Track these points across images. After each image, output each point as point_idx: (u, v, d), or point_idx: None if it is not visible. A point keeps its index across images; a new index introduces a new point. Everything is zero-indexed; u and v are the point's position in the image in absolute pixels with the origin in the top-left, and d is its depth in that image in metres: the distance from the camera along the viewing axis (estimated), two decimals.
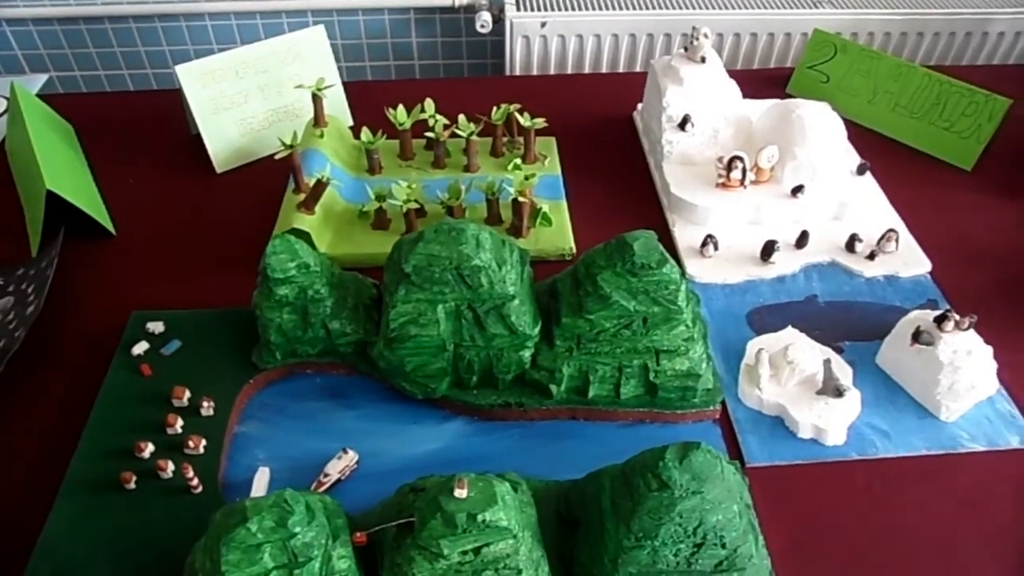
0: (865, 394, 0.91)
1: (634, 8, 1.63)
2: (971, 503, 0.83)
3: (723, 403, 0.90)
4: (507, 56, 1.63)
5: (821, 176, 1.12)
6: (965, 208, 1.20)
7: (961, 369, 0.87)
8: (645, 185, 1.20)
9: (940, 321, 0.88)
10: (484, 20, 1.58)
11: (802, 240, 1.07)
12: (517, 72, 1.65)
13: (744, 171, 1.10)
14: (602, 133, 1.32)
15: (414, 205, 1.04)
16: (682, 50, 1.18)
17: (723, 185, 1.11)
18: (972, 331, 0.89)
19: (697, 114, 1.16)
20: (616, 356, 0.85)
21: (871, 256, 1.06)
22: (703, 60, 1.15)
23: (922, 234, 1.11)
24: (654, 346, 0.85)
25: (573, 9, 1.60)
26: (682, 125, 1.15)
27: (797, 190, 1.10)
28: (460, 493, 0.63)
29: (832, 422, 0.86)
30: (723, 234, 1.09)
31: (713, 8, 1.64)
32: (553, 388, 0.86)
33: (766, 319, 0.99)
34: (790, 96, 1.37)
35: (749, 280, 1.05)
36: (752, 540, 0.68)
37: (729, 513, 0.66)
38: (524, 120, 1.17)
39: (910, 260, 1.07)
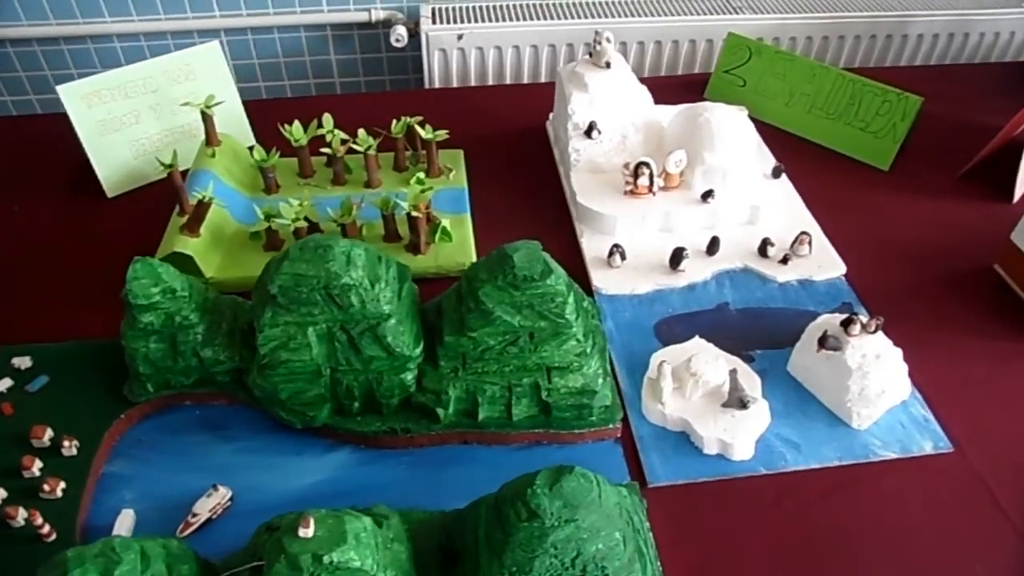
0: (775, 404, 0.87)
1: (554, 18, 1.60)
2: (884, 514, 0.79)
3: (625, 420, 0.85)
4: (425, 70, 1.59)
5: (732, 180, 1.08)
6: (882, 208, 1.17)
7: (870, 374, 0.83)
8: (556, 196, 1.16)
9: (847, 325, 0.84)
10: (399, 34, 1.54)
11: (713, 246, 1.03)
12: (437, 87, 1.61)
13: (651, 177, 1.06)
14: (515, 144, 1.27)
15: (303, 224, 0.99)
16: (587, 56, 1.14)
17: (631, 192, 1.07)
18: (881, 333, 0.86)
19: (604, 120, 1.12)
20: (505, 375, 0.80)
21: (784, 260, 1.03)
22: (608, 65, 1.11)
23: (837, 236, 1.08)
24: (544, 363, 0.80)
25: (490, 21, 1.56)
26: (588, 132, 1.11)
27: (707, 195, 1.06)
28: (305, 533, 0.57)
29: (739, 436, 0.81)
30: (632, 243, 1.04)
31: (636, 15, 1.62)
32: (440, 412, 0.81)
33: (675, 329, 0.95)
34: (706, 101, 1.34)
35: (658, 290, 1.00)
36: (640, 568, 0.63)
37: (610, 541, 0.61)
38: (425, 132, 1.12)
39: (824, 263, 1.04)
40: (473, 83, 1.62)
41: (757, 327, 0.96)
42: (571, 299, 0.78)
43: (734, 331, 0.95)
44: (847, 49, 1.69)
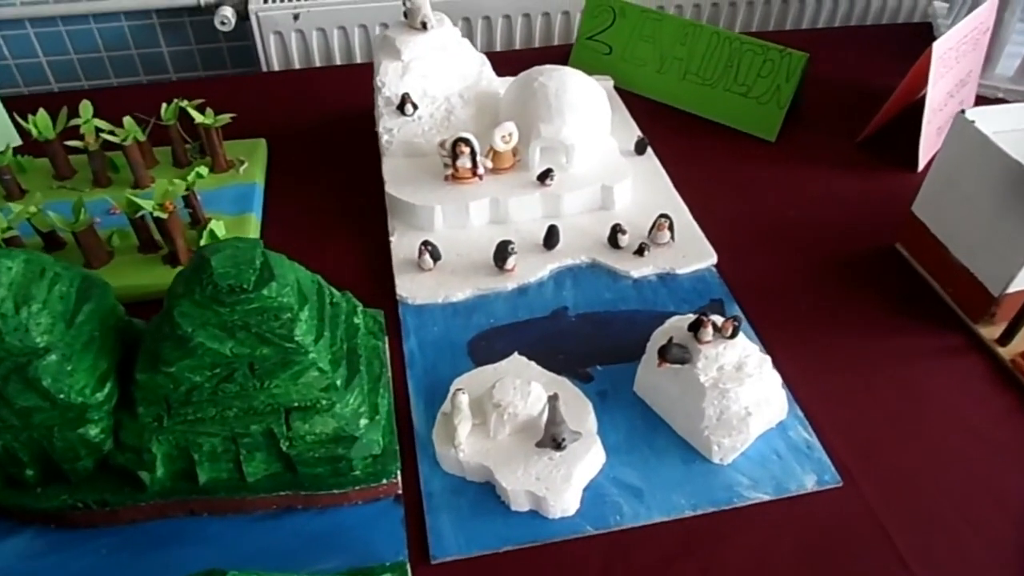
0: (614, 437, 0.67)
1: None
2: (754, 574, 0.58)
3: (415, 471, 0.64)
4: (261, 56, 1.37)
5: (578, 157, 0.88)
6: (767, 186, 0.98)
7: (730, 392, 0.63)
8: (377, 190, 0.94)
9: (696, 329, 0.64)
10: (224, 16, 1.32)
11: (551, 238, 0.83)
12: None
13: (474, 157, 0.85)
14: (344, 131, 1.06)
15: (14, 234, 0.77)
16: (402, 17, 0.93)
17: (453, 177, 0.87)
18: (743, 337, 0.66)
19: (422, 93, 0.91)
20: (227, 423, 0.58)
21: (640, 251, 0.83)
22: (424, 26, 0.91)
23: (710, 221, 0.89)
24: (279, 403, 0.58)
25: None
26: (401, 107, 0.90)
27: (545, 176, 0.86)
28: None
29: (556, 486, 0.61)
30: (451, 239, 0.84)
31: None
32: (144, 476, 0.59)
33: (494, 345, 0.74)
34: None
35: (480, 295, 0.80)
36: None
37: None
38: (205, 118, 0.91)
39: (690, 252, 0.84)
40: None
41: (601, 336, 0.76)
42: (305, 314, 0.57)
43: (570, 343, 0.75)
44: (741, 16, 1.51)
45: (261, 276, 0.55)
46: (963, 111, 0.78)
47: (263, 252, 0.57)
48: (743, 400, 0.64)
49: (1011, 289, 0.75)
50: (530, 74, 0.91)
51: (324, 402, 0.58)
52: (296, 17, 1.33)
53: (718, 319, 0.65)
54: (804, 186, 0.98)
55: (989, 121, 0.78)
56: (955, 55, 0.99)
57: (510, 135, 0.86)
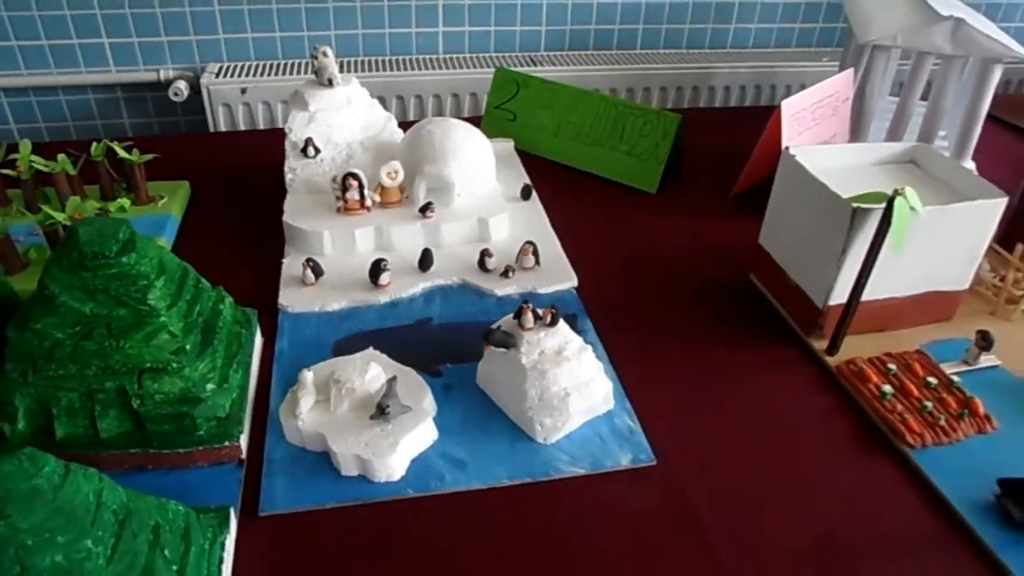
0: (452, 420, 0.73)
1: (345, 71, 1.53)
2: (558, 533, 0.64)
3: (262, 443, 0.70)
4: (210, 124, 1.50)
5: (459, 194, 0.98)
6: (641, 229, 1.08)
7: (549, 373, 0.70)
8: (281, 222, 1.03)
9: (519, 317, 0.72)
10: (178, 88, 1.46)
11: (425, 261, 0.92)
12: None
13: (362, 190, 0.95)
14: (263, 179, 1.16)
15: None
16: (313, 75, 1.05)
17: (345, 209, 0.96)
18: (565, 326, 0.74)
19: (326, 140, 1.02)
20: (86, 379, 0.65)
21: (506, 273, 0.91)
22: (330, 83, 1.03)
23: (580, 253, 0.98)
24: (134, 363, 0.65)
25: (276, 75, 1.49)
26: (304, 150, 1.01)
27: (425, 208, 0.96)
28: None
29: (382, 452, 0.67)
30: (336, 261, 0.92)
31: (436, 68, 1.57)
32: (6, 427, 0.65)
33: (356, 346, 0.81)
34: None
35: (354, 306, 0.88)
36: None
37: (77, 550, 0.46)
38: (133, 156, 1.01)
39: (553, 276, 0.93)
40: None
41: (456, 342, 0.83)
42: (160, 283, 0.65)
43: (426, 345, 0.82)
44: (655, 101, 1.66)
45: (124, 247, 0.64)
46: (787, 148, 0.89)
47: (129, 230, 0.65)
48: (562, 381, 0.71)
49: (832, 302, 0.83)
50: (421, 123, 1.02)
51: (174, 365, 0.66)
52: (244, 91, 1.47)
53: (540, 309, 0.73)
54: (677, 231, 1.08)
55: (810, 158, 0.89)
56: (811, 116, 1.11)
57: (396, 172, 0.96)
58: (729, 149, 1.30)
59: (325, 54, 1.01)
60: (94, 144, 1.03)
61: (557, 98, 1.22)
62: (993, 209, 0.84)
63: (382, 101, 1.51)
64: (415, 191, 0.97)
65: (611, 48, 1.70)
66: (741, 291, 0.96)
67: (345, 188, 0.95)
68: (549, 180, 1.16)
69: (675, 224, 1.09)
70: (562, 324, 0.73)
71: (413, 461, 0.69)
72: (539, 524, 0.65)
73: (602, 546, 0.63)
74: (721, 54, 1.72)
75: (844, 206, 0.79)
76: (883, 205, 0.76)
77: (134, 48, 1.52)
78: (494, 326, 0.73)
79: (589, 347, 0.74)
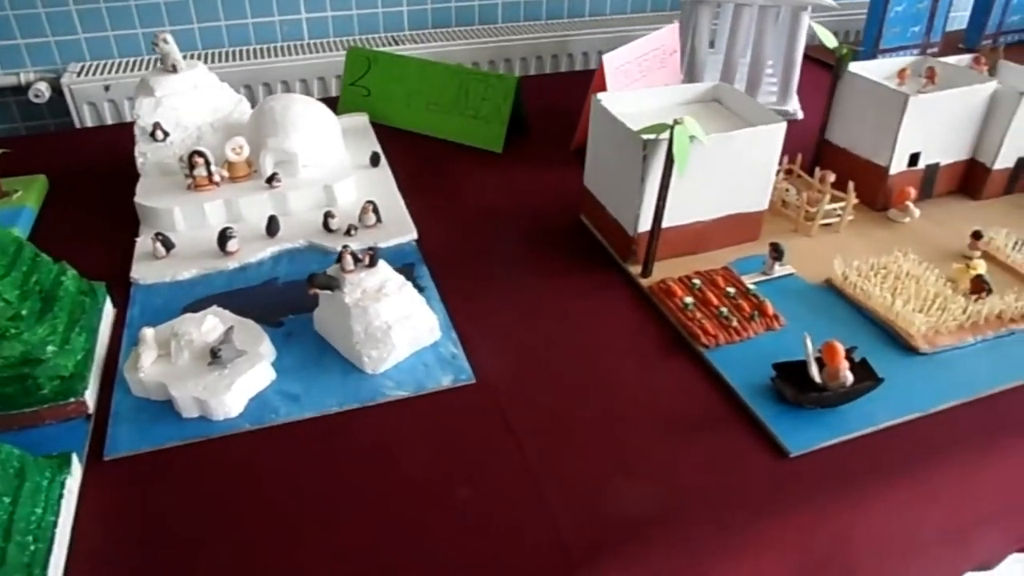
0: (290, 361, 0.80)
1: (214, 62, 1.57)
2: (382, 451, 0.71)
3: (110, 398, 0.75)
4: (77, 123, 1.52)
5: (304, 164, 1.04)
6: (486, 186, 1.16)
7: (370, 308, 0.77)
8: None
9: (340, 260, 0.79)
10: (38, 90, 1.48)
11: (272, 227, 0.98)
12: None
13: (208, 167, 1.00)
14: (122, 169, 1.19)
15: None
16: (159, 63, 1.10)
17: (196, 187, 1.01)
18: (385, 266, 0.81)
19: (175, 124, 1.07)
20: None
21: (349, 232, 0.98)
22: (174, 68, 1.07)
23: (425, 210, 1.06)
24: None
25: (141, 70, 1.52)
26: (153, 134, 1.05)
27: (271, 179, 1.01)
28: None
29: (218, 392, 0.73)
30: (192, 236, 0.98)
31: (302, 54, 1.61)
32: None
33: (205, 308, 0.87)
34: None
35: (204, 274, 0.93)
36: None
37: None
38: None
39: (395, 231, 1.00)
40: None
41: (298, 296, 0.89)
42: None
43: (270, 302, 0.88)
44: (517, 71, 1.74)
45: None
46: (595, 95, 0.97)
47: None
48: (384, 315, 0.78)
49: (640, 229, 0.92)
50: (264, 100, 1.08)
51: (12, 330, 0.70)
52: (107, 88, 1.49)
53: (360, 252, 0.80)
54: (520, 185, 1.16)
55: (619, 103, 0.97)
56: (637, 69, 1.20)
57: (240, 147, 1.02)
58: (578, 108, 1.38)
59: (166, 41, 1.06)
60: None
61: (406, 71, 1.29)
62: (774, 134, 0.93)
63: (249, 90, 1.56)
64: (262, 164, 1.03)
65: (473, 24, 1.77)
66: (572, 231, 1.04)
67: (192, 166, 1.00)
68: (403, 148, 1.23)
69: (518, 179, 1.18)
70: (382, 264, 0.80)
71: (251, 400, 0.75)
72: (367, 444, 0.72)
73: (425, 458, 0.70)
74: (579, 22, 1.81)
75: (637, 139, 0.88)
76: (668, 136, 0.85)
77: None
78: (322, 271, 0.79)
79: (409, 283, 0.81)
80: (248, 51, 1.62)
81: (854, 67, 1.10)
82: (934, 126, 1.05)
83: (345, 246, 0.79)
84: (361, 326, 0.78)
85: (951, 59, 1.15)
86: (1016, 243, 0.99)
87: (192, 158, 0.99)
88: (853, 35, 2.03)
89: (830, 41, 1.08)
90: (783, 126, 0.93)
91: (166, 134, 1.06)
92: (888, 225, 1.07)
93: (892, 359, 0.82)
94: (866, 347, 0.82)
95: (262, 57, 1.59)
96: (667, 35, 1.27)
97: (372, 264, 0.79)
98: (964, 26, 1.81)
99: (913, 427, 0.75)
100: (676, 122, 0.84)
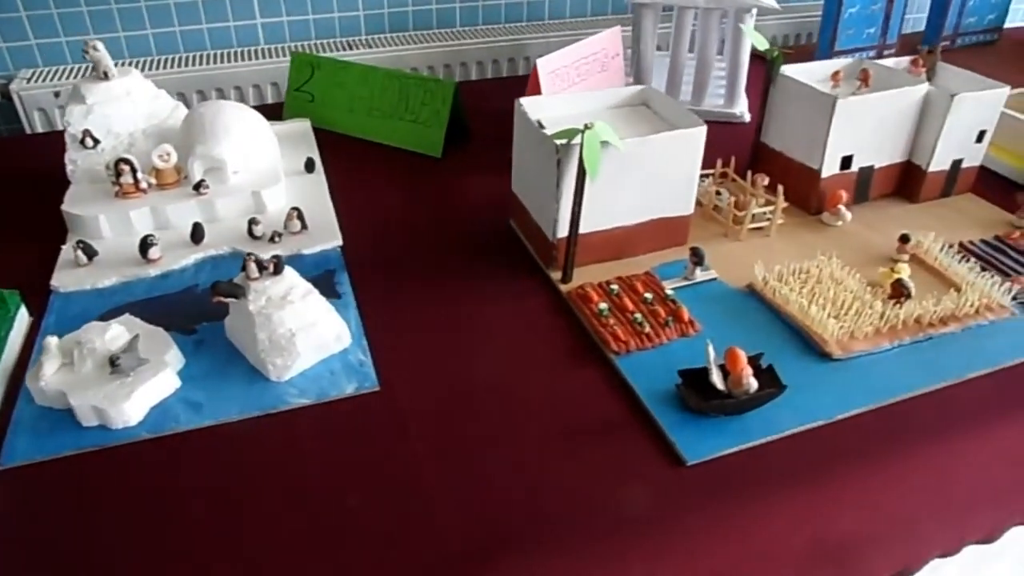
0: (196, 369, 0.80)
1: (163, 68, 1.57)
2: (277, 463, 0.71)
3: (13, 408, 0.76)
4: (27, 129, 1.52)
5: (232, 171, 1.04)
6: (424, 191, 1.16)
7: (274, 316, 0.77)
8: None
9: (244, 268, 0.79)
10: None
11: (196, 233, 0.98)
12: None
13: (135, 174, 1.00)
14: (58, 177, 1.20)
15: None
16: (92, 71, 1.10)
17: (123, 194, 1.01)
18: (292, 272, 0.81)
19: (106, 131, 1.07)
20: None
21: (273, 239, 0.98)
22: (106, 75, 1.07)
23: (354, 216, 1.05)
24: None
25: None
26: (82, 141, 1.06)
27: (199, 185, 1.02)
28: None
29: (117, 401, 0.73)
30: (118, 244, 0.98)
31: (257, 59, 1.61)
32: None
33: (118, 316, 0.87)
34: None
35: (125, 282, 0.93)
36: None
37: None
38: None
39: (318, 237, 1.00)
40: None
41: (214, 304, 0.89)
42: None
43: (185, 309, 0.88)
44: (473, 75, 1.74)
45: None
46: (517, 100, 0.97)
47: None
48: (288, 323, 0.78)
49: (560, 234, 0.92)
50: (195, 107, 1.08)
51: None
52: (57, 95, 1.49)
53: (265, 259, 0.80)
54: (456, 190, 1.16)
55: (544, 108, 0.97)
56: (575, 73, 1.20)
57: (168, 154, 1.02)
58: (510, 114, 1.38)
59: (95, 48, 1.06)
60: None
61: (348, 76, 1.29)
62: (694, 138, 0.93)
63: (201, 96, 1.56)
64: (190, 171, 1.03)
65: (431, 28, 1.77)
66: (500, 235, 1.04)
67: (119, 173, 1.00)
68: (344, 153, 1.23)
69: (455, 184, 1.17)
70: (288, 271, 0.80)
71: (153, 408, 0.75)
72: (267, 452, 0.72)
73: (319, 466, 0.70)
74: (536, 26, 1.81)
75: (550, 144, 0.87)
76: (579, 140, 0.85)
77: None
78: (224, 280, 0.79)
79: (315, 291, 0.81)
80: (203, 56, 1.62)
81: (787, 70, 1.10)
82: (865, 128, 1.05)
83: (249, 253, 0.79)
84: (265, 334, 0.78)
85: (888, 61, 1.15)
86: (943, 246, 0.99)
87: (118, 165, 0.99)
88: (806, 38, 2.03)
89: (761, 44, 1.08)
90: (703, 130, 0.93)
91: (96, 141, 1.06)
92: (819, 229, 1.06)
93: (805, 365, 0.82)
94: (782, 353, 0.82)
95: (218, 63, 1.59)
96: (608, 39, 1.27)
97: (277, 271, 0.79)
98: (923, 28, 1.80)
99: (816, 434, 0.75)
100: (586, 127, 0.84)
